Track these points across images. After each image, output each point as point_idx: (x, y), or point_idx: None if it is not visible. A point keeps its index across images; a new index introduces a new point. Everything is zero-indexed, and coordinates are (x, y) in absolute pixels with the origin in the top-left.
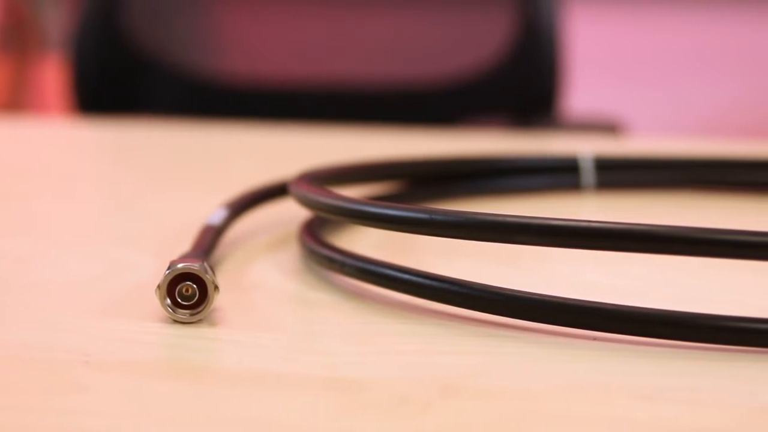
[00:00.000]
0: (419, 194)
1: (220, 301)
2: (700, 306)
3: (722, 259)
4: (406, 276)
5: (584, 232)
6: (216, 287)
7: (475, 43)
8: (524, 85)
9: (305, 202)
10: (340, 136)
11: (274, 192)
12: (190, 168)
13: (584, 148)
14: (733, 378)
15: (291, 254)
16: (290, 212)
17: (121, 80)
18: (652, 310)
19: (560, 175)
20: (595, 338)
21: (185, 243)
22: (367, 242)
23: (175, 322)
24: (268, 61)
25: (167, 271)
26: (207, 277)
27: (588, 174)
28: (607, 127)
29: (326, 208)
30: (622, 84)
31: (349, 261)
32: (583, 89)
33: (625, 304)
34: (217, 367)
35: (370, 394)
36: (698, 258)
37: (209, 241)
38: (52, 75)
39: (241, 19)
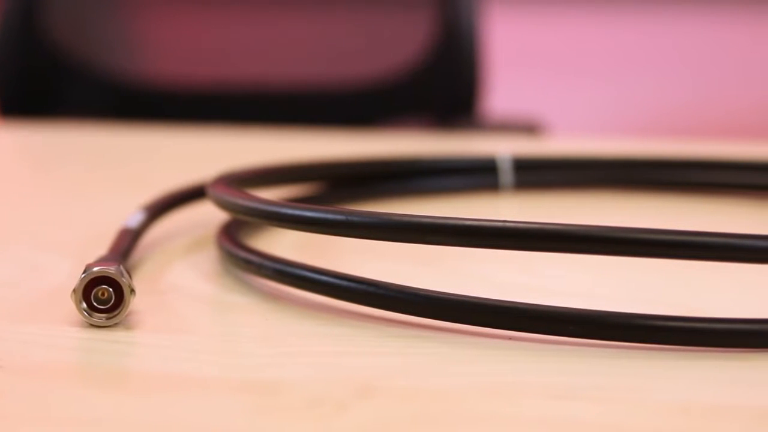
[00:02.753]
0: (339, 196)
1: (136, 304)
2: (613, 305)
3: (635, 258)
4: (323, 277)
5: (497, 232)
6: (132, 290)
7: (396, 45)
8: (445, 86)
9: (222, 205)
10: (260, 137)
11: (193, 194)
12: (109, 171)
13: (503, 148)
14: (644, 376)
15: (209, 257)
16: (209, 215)
17: (43, 84)
18: (565, 309)
19: (479, 175)
20: (510, 338)
21: (103, 246)
22: (285, 244)
23: (92, 325)
24: (189, 63)
25: (83, 275)
26: (123, 281)
27: (506, 174)
28: (527, 128)
29: (243, 210)
30: (544, 84)
31: (266, 263)
32: (504, 90)
33: (539, 303)
34: (133, 371)
35: (286, 396)
36: (612, 257)
37: (126, 244)
38: None
39: (163, 22)
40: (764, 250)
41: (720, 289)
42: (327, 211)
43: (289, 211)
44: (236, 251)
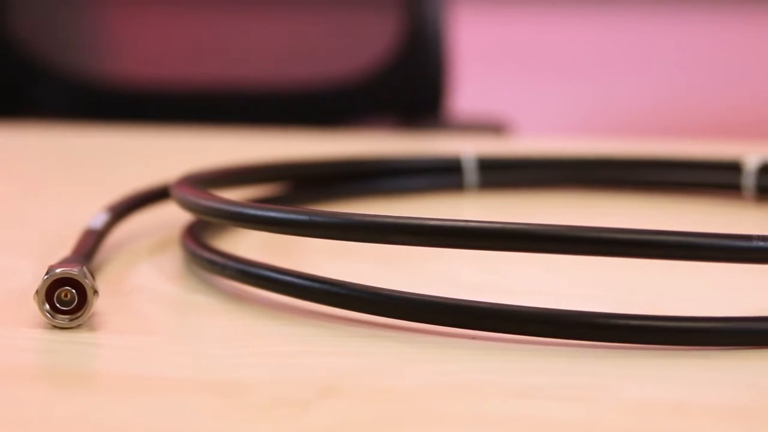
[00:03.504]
0: (303, 196)
1: (100, 305)
2: (577, 304)
3: (599, 257)
4: (286, 278)
5: (459, 232)
6: (95, 292)
7: (362, 45)
8: (411, 85)
9: (186, 205)
10: (225, 138)
11: (157, 195)
12: (74, 172)
13: (468, 148)
14: (608, 375)
15: (173, 258)
16: (173, 215)
17: (9, 84)
18: (529, 309)
19: (444, 175)
20: (474, 337)
21: (66, 247)
22: (249, 244)
23: (55, 327)
24: (155, 64)
25: (45, 276)
26: (86, 282)
27: (471, 174)
28: (493, 127)
29: (206, 210)
30: (510, 84)
31: (229, 263)
32: (470, 89)
33: (503, 302)
34: (97, 372)
35: (250, 396)
36: (576, 256)
37: (90, 245)
38: None
39: (131, 22)
40: (730, 249)
41: (684, 288)
42: (290, 212)
43: (252, 212)
44: (200, 252)
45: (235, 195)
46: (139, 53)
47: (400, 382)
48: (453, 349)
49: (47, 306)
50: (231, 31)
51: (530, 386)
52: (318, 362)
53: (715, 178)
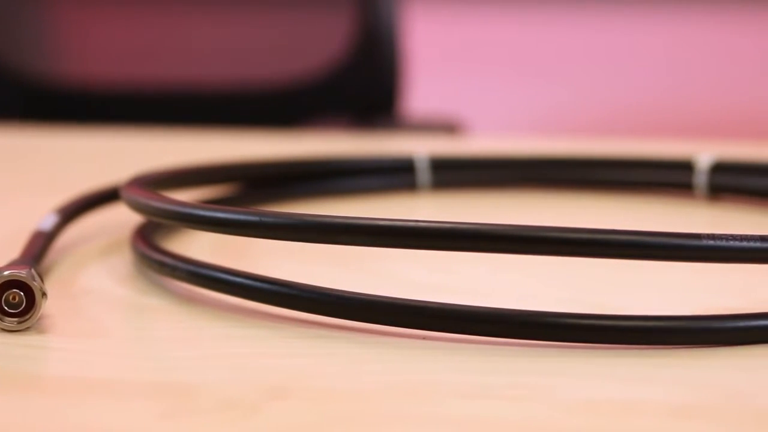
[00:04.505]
0: (255, 197)
1: (49, 308)
2: (527, 303)
3: (549, 257)
4: (236, 279)
5: (409, 232)
6: (44, 294)
7: (315, 45)
8: (365, 86)
9: (136, 207)
10: (178, 138)
11: (107, 196)
12: (22, 173)
13: (420, 148)
14: (558, 374)
15: (123, 259)
16: (123, 217)
17: None
18: (480, 309)
19: (396, 175)
20: (425, 337)
21: (15, 250)
22: (201, 246)
23: (3, 330)
24: (106, 64)
25: None
26: (34, 284)
27: (423, 174)
28: (447, 127)
29: (156, 212)
30: (465, 84)
31: (180, 265)
32: (425, 89)
33: (454, 302)
34: (45, 376)
35: (199, 398)
36: (526, 256)
37: (39, 247)
38: None
39: (79, 21)
40: (680, 248)
41: (634, 287)
42: (240, 213)
43: (202, 213)
44: (150, 254)
45: (186, 196)
46: (90, 54)
47: (350, 383)
48: (404, 349)
49: None
50: (184, 31)
51: (481, 386)
52: (267, 364)
53: (667, 178)
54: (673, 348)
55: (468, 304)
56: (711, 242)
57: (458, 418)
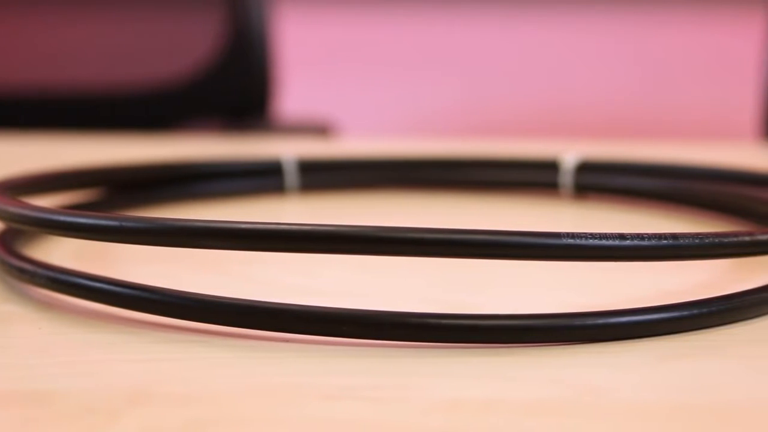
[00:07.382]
0: (119, 202)
1: None
2: (389, 304)
3: (412, 258)
4: (97, 284)
5: (270, 235)
6: None
7: (185, 46)
8: (235, 87)
9: None
10: (42, 143)
11: None
12: None
13: (288, 150)
14: (419, 374)
15: None
16: None
17: None
18: (340, 310)
19: (264, 177)
20: (287, 340)
21: None
22: (63, 252)
23: None
24: None
25: None
26: None
27: (291, 176)
28: (319, 129)
29: (15, 218)
30: (338, 85)
31: (40, 271)
32: (297, 91)
33: (315, 304)
34: None
35: (59, 406)
36: (389, 257)
37: None
38: None
39: None
40: (540, 247)
41: (495, 286)
42: (101, 218)
43: (62, 218)
44: (9, 260)
45: (48, 202)
46: None
47: (211, 386)
48: (265, 351)
49: None
50: (50, 33)
51: (342, 387)
52: (128, 369)
53: (534, 177)
54: (531, 346)
55: (330, 305)
56: (571, 241)
57: (320, 419)
